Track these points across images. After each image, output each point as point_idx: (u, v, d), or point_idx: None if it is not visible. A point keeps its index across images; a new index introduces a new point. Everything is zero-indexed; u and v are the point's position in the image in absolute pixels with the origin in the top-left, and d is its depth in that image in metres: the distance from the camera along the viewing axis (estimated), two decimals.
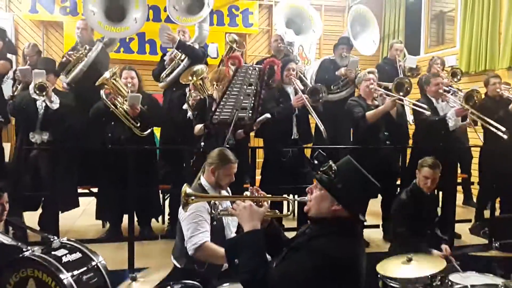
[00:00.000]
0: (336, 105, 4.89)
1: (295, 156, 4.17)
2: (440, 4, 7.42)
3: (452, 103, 4.33)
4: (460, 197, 5.13)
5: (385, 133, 4.14)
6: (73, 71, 4.45)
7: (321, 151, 3.07)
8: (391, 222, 3.69)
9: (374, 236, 4.31)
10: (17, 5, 6.98)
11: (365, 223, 4.13)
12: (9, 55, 4.99)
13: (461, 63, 6.09)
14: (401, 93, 4.08)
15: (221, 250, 2.39)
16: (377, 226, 4.29)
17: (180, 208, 2.64)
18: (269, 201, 1.93)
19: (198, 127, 3.74)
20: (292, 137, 4.17)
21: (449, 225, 4.11)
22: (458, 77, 5.17)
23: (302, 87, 4.23)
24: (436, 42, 7.43)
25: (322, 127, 3.94)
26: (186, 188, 1.95)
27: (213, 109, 3.46)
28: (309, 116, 4.22)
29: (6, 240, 2.54)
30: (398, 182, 4.30)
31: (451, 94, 4.53)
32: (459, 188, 5.01)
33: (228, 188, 2.94)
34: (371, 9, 5.81)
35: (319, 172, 1.75)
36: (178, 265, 2.71)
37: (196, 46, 4.73)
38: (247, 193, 1.96)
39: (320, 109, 4.16)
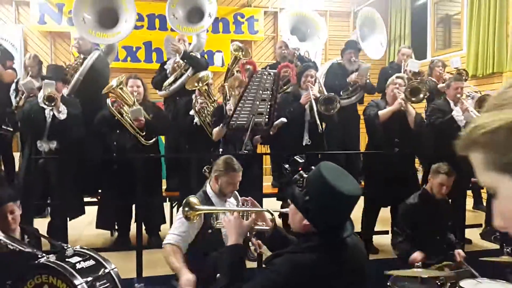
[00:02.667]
0: (345, 110, 4.88)
1: (309, 162, 4.15)
2: (446, 7, 7.40)
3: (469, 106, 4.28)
4: (469, 201, 5.07)
5: (396, 140, 4.09)
6: (70, 82, 4.45)
7: (299, 157, 2.86)
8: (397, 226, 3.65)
9: (383, 242, 4.27)
10: (26, 17, 7.08)
11: (375, 229, 4.18)
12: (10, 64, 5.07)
13: (468, 66, 6.05)
14: (413, 98, 4.07)
15: (173, 260, 2.43)
16: (386, 232, 4.25)
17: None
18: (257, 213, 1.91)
19: (216, 130, 3.76)
20: (304, 144, 4.17)
21: (459, 230, 4.06)
22: (464, 78, 5.14)
23: (318, 95, 4.22)
24: (442, 46, 7.40)
25: (319, 125, 3.95)
26: (189, 199, 1.98)
27: (229, 114, 3.48)
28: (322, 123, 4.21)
29: (23, 247, 2.61)
30: None
31: (471, 98, 4.49)
32: (469, 192, 4.95)
33: (238, 195, 2.93)
34: None
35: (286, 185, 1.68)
36: None
37: (198, 55, 4.78)
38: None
39: (335, 119, 4.16)
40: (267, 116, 3.54)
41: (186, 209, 2.07)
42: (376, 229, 4.23)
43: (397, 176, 4.01)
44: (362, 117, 4.55)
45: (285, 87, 4.65)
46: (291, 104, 4.19)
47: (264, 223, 1.98)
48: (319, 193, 1.51)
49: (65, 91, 4.50)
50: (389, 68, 5.60)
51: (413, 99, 4.08)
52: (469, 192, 4.82)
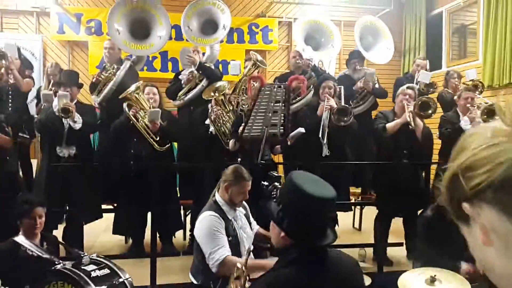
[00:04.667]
0: (356, 119, 4.87)
1: (327, 173, 4.15)
2: (462, 17, 7.35)
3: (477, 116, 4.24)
4: None
5: (404, 151, 4.07)
6: (104, 91, 4.57)
7: (271, 173, 2.86)
8: (415, 240, 3.61)
9: (397, 254, 4.23)
10: (46, 27, 7.25)
11: (388, 241, 4.14)
12: (28, 73, 5.18)
13: (484, 77, 6.00)
14: (422, 113, 4.04)
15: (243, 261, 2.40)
16: (400, 244, 4.22)
17: (196, 225, 2.68)
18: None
19: (232, 142, 3.88)
20: (323, 155, 4.17)
21: None
22: (480, 89, 5.09)
23: (335, 106, 4.23)
24: (458, 56, 7.35)
25: (324, 141, 3.98)
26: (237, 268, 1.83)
27: (242, 126, 3.54)
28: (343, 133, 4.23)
29: (41, 253, 2.68)
30: None
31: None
32: None
33: (246, 205, 2.95)
34: (390, 24, 5.83)
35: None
36: (195, 282, 2.74)
37: (212, 66, 4.84)
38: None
39: (354, 130, 4.21)
40: (281, 128, 3.57)
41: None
42: (389, 241, 4.20)
43: (408, 187, 3.98)
44: None
45: (298, 98, 4.66)
46: (310, 116, 4.23)
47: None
48: (290, 199, 1.47)
49: (97, 99, 4.61)
50: (404, 78, 5.58)
51: (421, 113, 4.04)
52: None
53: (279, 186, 1.56)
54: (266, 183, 2.56)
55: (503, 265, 0.58)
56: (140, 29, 4.83)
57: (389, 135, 4.03)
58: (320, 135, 4.14)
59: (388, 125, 4.04)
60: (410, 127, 3.95)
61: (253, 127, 3.45)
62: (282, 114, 3.47)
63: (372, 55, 5.55)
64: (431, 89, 5.27)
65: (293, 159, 4.37)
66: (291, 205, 1.46)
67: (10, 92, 4.80)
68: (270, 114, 3.44)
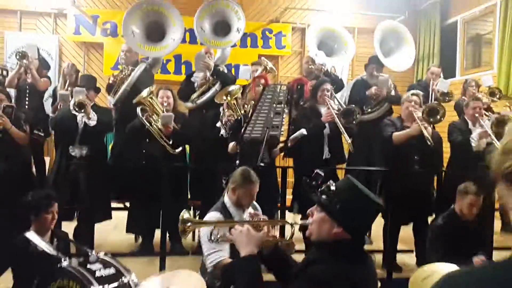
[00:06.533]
0: (370, 126, 4.86)
1: (327, 176, 4.14)
2: (477, 26, 7.31)
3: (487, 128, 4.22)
4: (497, 224, 4.93)
5: (416, 157, 4.03)
6: (118, 92, 4.62)
7: (319, 171, 2.93)
8: (426, 248, 3.59)
9: (407, 261, 4.19)
10: (62, 27, 7.39)
11: (398, 248, 4.11)
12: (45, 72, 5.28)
13: (500, 86, 5.90)
14: (431, 119, 3.99)
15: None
16: (410, 251, 4.18)
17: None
18: (270, 226, 1.89)
19: (231, 145, 3.82)
20: (324, 157, 4.15)
21: (488, 254, 3.95)
22: (497, 96, 5.05)
23: (336, 108, 4.23)
24: (472, 65, 7.30)
25: (349, 141, 3.92)
26: (184, 214, 1.93)
27: (243, 127, 3.53)
28: (342, 136, 4.20)
29: (50, 249, 2.70)
30: None
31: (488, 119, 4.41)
32: (496, 214, 4.82)
33: (258, 206, 2.95)
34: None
35: (318, 193, 1.66)
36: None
37: (225, 69, 4.88)
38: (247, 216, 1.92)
39: (354, 131, 4.15)
40: (282, 129, 3.56)
41: (181, 225, 2.01)
42: (399, 248, 4.16)
43: (417, 194, 3.95)
44: None
45: (301, 102, 4.65)
46: (309, 119, 4.18)
47: (275, 237, 1.96)
48: (352, 200, 1.60)
49: (112, 100, 4.67)
50: (417, 86, 5.55)
51: (430, 119, 3.99)
52: (496, 214, 4.68)
53: (333, 186, 1.64)
54: (308, 180, 2.59)
55: None
56: (155, 32, 4.88)
57: (394, 144, 3.96)
58: (325, 138, 4.13)
59: (396, 134, 3.96)
60: (421, 127, 3.87)
61: (254, 129, 3.43)
62: (283, 116, 3.46)
63: (391, 62, 5.49)
64: (447, 98, 5.23)
65: (299, 162, 4.36)
66: (353, 206, 1.58)
67: (27, 91, 4.92)
68: (271, 115, 3.43)
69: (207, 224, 2.29)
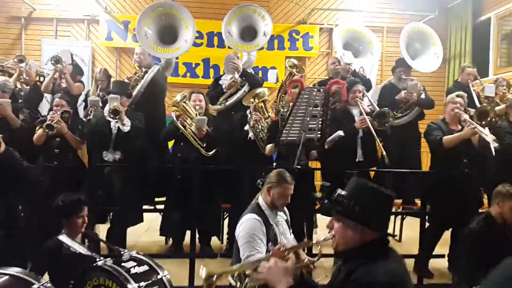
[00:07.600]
0: (402, 129, 4.80)
1: (341, 184, 4.08)
2: (511, 23, 7.08)
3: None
4: None
5: (465, 160, 3.94)
6: (132, 93, 4.67)
7: (325, 183, 2.94)
8: (460, 253, 3.50)
9: (439, 266, 4.11)
10: (95, 34, 7.63)
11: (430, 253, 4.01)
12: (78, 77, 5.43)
13: None
14: (483, 122, 3.88)
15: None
16: (442, 256, 4.09)
17: (238, 226, 2.72)
18: (297, 250, 1.88)
19: (269, 147, 3.89)
20: (357, 160, 4.10)
21: None
22: None
23: (368, 110, 4.19)
24: (506, 63, 7.06)
25: (384, 153, 3.88)
26: (202, 273, 1.83)
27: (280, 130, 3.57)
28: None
29: (83, 250, 2.78)
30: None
31: None
32: None
33: (287, 211, 2.97)
34: (435, 30, 5.67)
35: (330, 204, 1.64)
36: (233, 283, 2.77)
37: (253, 72, 4.93)
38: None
39: (387, 133, 4.12)
40: (319, 132, 3.57)
41: (206, 281, 1.87)
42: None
43: (466, 198, 3.84)
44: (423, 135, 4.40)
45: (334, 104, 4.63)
46: (341, 121, 4.14)
47: (303, 260, 1.98)
48: (368, 199, 1.60)
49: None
50: (454, 87, 5.39)
51: (483, 123, 3.87)
52: None
53: (342, 192, 1.65)
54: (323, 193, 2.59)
55: None
56: (168, 34, 4.94)
57: (445, 148, 3.87)
58: (358, 141, 4.08)
59: (446, 138, 3.86)
60: (475, 130, 3.78)
61: (291, 132, 3.46)
62: (320, 119, 3.46)
63: (419, 63, 5.39)
64: (491, 101, 5.08)
65: (330, 165, 4.34)
66: (370, 203, 1.59)
67: None
68: (308, 119, 3.45)
69: (232, 271, 2.07)
